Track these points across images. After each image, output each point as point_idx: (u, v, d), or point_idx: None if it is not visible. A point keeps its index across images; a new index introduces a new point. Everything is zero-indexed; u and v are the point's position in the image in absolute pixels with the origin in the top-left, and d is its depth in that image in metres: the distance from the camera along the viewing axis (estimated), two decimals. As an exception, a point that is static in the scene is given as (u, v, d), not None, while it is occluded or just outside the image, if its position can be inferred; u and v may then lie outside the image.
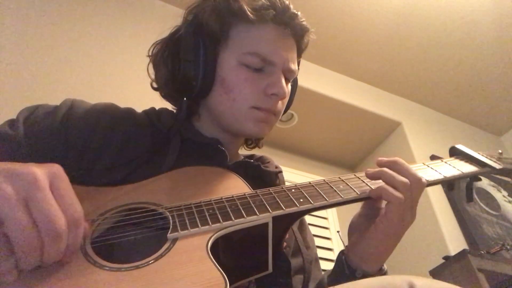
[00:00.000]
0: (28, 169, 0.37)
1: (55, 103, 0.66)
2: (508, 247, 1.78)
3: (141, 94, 1.56)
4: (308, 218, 1.92)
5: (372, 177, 0.59)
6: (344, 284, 0.41)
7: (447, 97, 2.63)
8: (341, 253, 0.62)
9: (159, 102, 0.77)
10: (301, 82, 2.11)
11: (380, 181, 0.58)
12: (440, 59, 2.38)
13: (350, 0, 2.06)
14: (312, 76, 2.26)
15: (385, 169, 0.58)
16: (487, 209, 2.19)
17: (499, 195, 2.34)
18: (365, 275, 0.57)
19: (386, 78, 2.50)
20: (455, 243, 1.90)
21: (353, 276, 0.57)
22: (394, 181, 0.55)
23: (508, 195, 2.38)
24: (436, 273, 1.62)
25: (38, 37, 1.56)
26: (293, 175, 2.25)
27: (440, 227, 1.95)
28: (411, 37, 2.25)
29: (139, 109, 0.76)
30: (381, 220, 0.55)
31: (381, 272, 0.59)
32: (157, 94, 0.77)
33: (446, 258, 1.63)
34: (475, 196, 2.21)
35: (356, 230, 0.61)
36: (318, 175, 2.40)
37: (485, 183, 2.34)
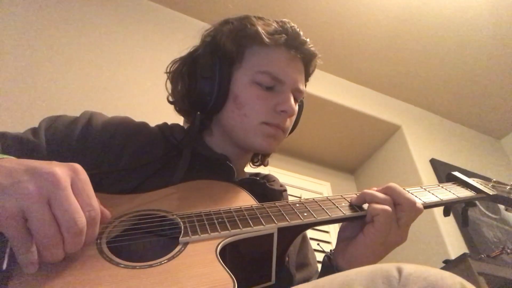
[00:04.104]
0: (51, 168, 0.40)
1: (62, 110, 0.70)
2: (509, 250, 1.77)
3: (148, 103, 1.57)
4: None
5: (362, 201, 0.62)
6: (336, 274, 0.43)
7: (447, 101, 2.64)
8: (327, 257, 0.65)
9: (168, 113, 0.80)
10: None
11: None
12: (440, 62, 2.39)
13: (349, 5, 2.07)
14: (312, 80, 2.25)
15: (374, 192, 0.61)
16: (487, 212, 2.19)
17: (499, 199, 2.34)
18: None
19: (386, 81, 2.50)
20: (455, 246, 1.90)
21: None
22: (386, 202, 0.59)
23: None
24: (436, 277, 1.61)
25: (45, 44, 1.56)
26: (293, 178, 2.25)
27: (440, 231, 1.95)
28: (411, 41, 2.26)
29: (147, 117, 0.80)
30: (368, 229, 0.58)
31: None
32: (165, 104, 0.80)
33: (446, 261, 1.63)
34: (475, 199, 2.21)
35: (345, 237, 0.64)
36: (318, 179, 2.40)
37: (485, 186, 2.34)
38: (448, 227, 1.99)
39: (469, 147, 2.68)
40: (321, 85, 2.29)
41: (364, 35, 2.22)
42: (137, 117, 0.78)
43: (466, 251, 1.86)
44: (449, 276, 0.38)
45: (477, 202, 0.75)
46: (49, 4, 1.67)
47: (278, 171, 2.20)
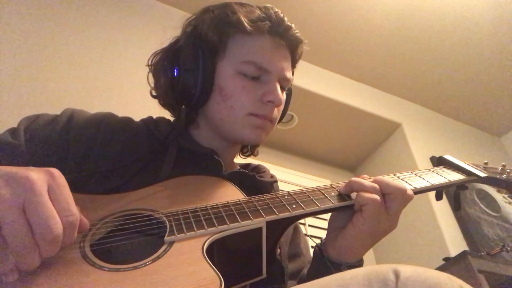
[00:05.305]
0: (27, 173, 0.38)
1: (55, 108, 0.67)
2: (509, 248, 1.78)
3: (141, 100, 1.56)
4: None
5: (350, 190, 0.61)
6: (333, 275, 0.43)
7: (447, 98, 2.63)
8: (317, 247, 0.64)
9: (157, 106, 0.78)
10: (301, 83, 2.13)
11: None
12: (440, 60, 2.38)
13: (349, 1, 2.06)
14: (312, 78, 2.26)
15: (361, 180, 0.59)
16: (487, 210, 2.19)
17: (500, 196, 2.34)
18: (349, 268, 0.58)
19: (386, 79, 2.50)
20: (455, 244, 1.90)
21: (338, 270, 0.59)
22: (374, 191, 0.58)
23: (508, 196, 2.37)
24: (436, 275, 1.61)
25: (38, 42, 1.56)
26: (293, 176, 2.25)
27: (440, 229, 1.95)
28: (411, 38, 2.25)
29: (136, 114, 0.77)
30: (357, 218, 0.57)
31: (359, 262, 0.61)
32: (154, 100, 0.77)
33: (447, 259, 1.63)
34: (475, 197, 2.21)
35: (334, 226, 0.63)
36: (318, 177, 2.40)
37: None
38: (448, 224, 1.99)
39: (469, 144, 2.68)
40: (321, 83, 2.29)
41: (364, 32, 2.21)
42: (128, 112, 0.75)
43: (466, 248, 1.86)
44: (448, 279, 0.37)
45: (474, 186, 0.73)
46: (42, 3, 1.67)
47: (277, 168, 2.20)
